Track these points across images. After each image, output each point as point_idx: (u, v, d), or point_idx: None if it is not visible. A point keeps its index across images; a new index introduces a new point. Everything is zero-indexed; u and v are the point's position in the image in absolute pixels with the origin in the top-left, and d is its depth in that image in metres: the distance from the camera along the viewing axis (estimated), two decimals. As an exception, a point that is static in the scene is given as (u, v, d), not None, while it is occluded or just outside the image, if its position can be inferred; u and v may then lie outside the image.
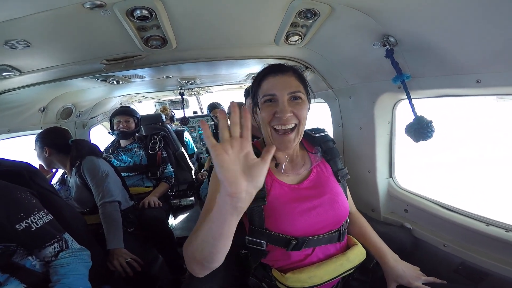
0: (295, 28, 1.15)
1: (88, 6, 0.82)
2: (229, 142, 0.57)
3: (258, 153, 0.98)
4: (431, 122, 1.03)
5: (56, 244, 1.05)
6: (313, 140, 1.11)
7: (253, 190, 0.58)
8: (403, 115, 1.37)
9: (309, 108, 0.98)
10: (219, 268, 1.03)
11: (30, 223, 1.01)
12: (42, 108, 1.98)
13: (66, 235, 1.11)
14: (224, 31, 1.19)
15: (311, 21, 1.06)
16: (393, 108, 1.43)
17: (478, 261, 1.06)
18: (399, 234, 1.30)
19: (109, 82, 1.95)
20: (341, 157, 1.12)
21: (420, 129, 1.03)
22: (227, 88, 3.34)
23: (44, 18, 0.85)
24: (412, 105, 1.08)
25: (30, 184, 1.16)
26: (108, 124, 2.85)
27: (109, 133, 2.53)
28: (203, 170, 2.89)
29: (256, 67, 2.12)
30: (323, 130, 1.15)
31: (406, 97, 1.09)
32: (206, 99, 4.62)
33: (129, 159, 2.35)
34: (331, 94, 1.77)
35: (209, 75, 2.44)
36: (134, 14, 0.92)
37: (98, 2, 0.81)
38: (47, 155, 1.70)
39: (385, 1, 0.85)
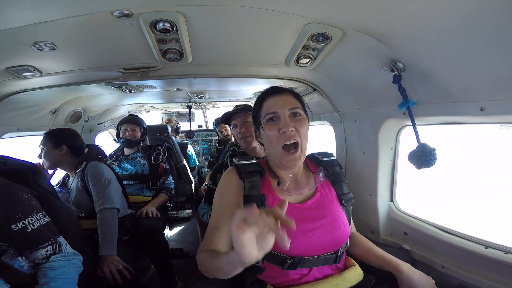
0: (307, 50, 1.21)
1: (116, 15, 0.88)
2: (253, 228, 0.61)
3: (262, 172, 1.00)
4: (434, 149, 1.04)
5: (49, 247, 1.04)
6: (320, 163, 1.12)
7: (262, 254, 0.63)
8: (407, 141, 1.40)
9: (308, 127, 1.02)
10: (214, 283, 1.02)
11: (27, 224, 1.01)
12: (54, 110, 2.03)
13: (61, 239, 1.10)
14: (238, 49, 1.26)
15: (322, 44, 1.12)
16: (397, 134, 1.45)
17: (476, 282, 1.06)
18: (398, 255, 1.28)
19: (122, 90, 2.01)
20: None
21: (423, 157, 1.04)
22: (234, 104, 3.41)
23: (74, 23, 0.90)
24: (416, 132, 1.11)
25: (31, 183, 1.17)
26: (113, 131, 2.90)
27: (114, 140, 2.56)
28: (204, 184, 2.88)
29: (263, 86, 2.17)
30: (331, 155, 1.16)
31: (411, 123, 1.12)
32: (212, 114, 4.72)
33: (132, 167, 2.36)
34: (336, 117, 1.80)
35: (218, 91, 2.51)
36: (157, 26, 0.97)
37: (126, 12, 0.86)
38: (61, 154, 1.71)
39: (395, 27, 0.90)
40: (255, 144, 1.60)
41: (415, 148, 1.08)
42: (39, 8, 0.81)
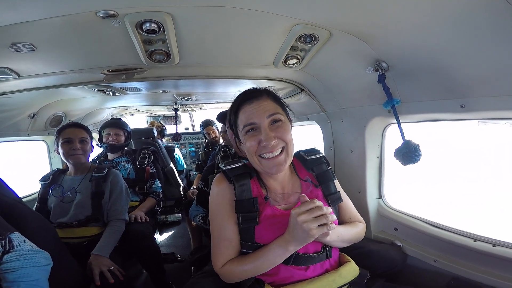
0: (294, 51, 1.22)
1: (101, 15, 0.85)
2: None
3: (251, 173, 0.99)
4: (418, 146, 1.08)
5: None
6: (306, 162, 1.06)
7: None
8: (393, 138, 1.45)
9: (291, 128, 0.97)
10: (210, 286, 1.01)
11: None
12: (32, 114, 1.93)
13: (15, 235, 0.99)
14: (227, 50, 1.25)
15: (310, 45, 1.13)
16: (383, 132, 1.50)
17: (469, 275, 1.10)
18: (390, 251, 1.33)
19: (105, 92, 1.95)
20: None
21: (408, 153, 1.08)
22: (221, 106, 3.39)
23: (56, 23, 0.87)
24: (401, 130, 1.14)
25: None
26: (97, 136, 2.79)
27: (97, 145, 2.47)
28: (192, 187, 2.83)
29: (251, 86, 2.19)
30: (317, 152, 1.10)
31: (396, 121, 1.16)
32: (199, 116, 4.66)
33: (116, 172, 2.28)
34: (323, 117, 1.84)
35: (205, 92, 2.49)
36: (143, 27, 0.95)
37: (111, 12, 0.84)
38: (90, 151, 1.76)
39: (380, 28, 0.93)
40: None
41: (400, 145, 1.12)
42: (18, 8, 0.78)
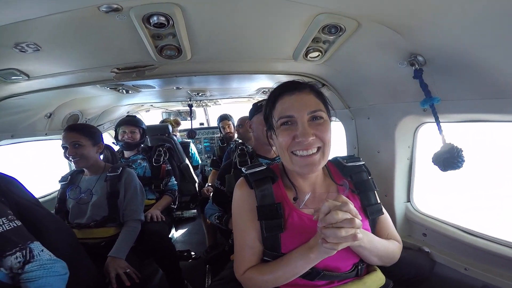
0: (317, 43, 1.10)
1: (104, 10, 0.77)
2: None
3: (274, 177, 0.89)
4: (461, 150, 0.94)
5: (18, 254, 0.95)
6: (344, 169, 0.96)
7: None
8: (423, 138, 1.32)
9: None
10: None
11: None
12: (49, 114, 1.95)
13: (34, 245, 1.01)
14: (242, 44, 1.15)
15: (334, 36, 1.01)
16: (414, 132, 1.36)
17: (502, 284, 1.02)
18: (418, 257, 1.27)
19: (118, 90, 1.92)
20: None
21: (450, 158, 0.93)
22: (236, 101, 3.31)
23: (57, 20, 0.81)
24: (441, 131, 0.99)
25: (7, 193, 1.10)
26: (113, 133, 2.81)
27: (113, 143, 2.48)
28: (207, 184, 2.80)
29: (267, 81, 2.08)
30: (358, 159, 1.00)
31: (433, 121, 1.01)
32: (214, 111, 4.62)
33: (132, 170, 2.28)
34: (347, 114, 1.71)
35: (220, 88, 2.41)
36: (151, 21, 0.87)
37: (115, 6, 0.76)
38: (96, 151, 1.70)
39: (416, 17, 0.79)
40: None
41: (439, 148, 0.98)
42: (17, 5, 0.72)
